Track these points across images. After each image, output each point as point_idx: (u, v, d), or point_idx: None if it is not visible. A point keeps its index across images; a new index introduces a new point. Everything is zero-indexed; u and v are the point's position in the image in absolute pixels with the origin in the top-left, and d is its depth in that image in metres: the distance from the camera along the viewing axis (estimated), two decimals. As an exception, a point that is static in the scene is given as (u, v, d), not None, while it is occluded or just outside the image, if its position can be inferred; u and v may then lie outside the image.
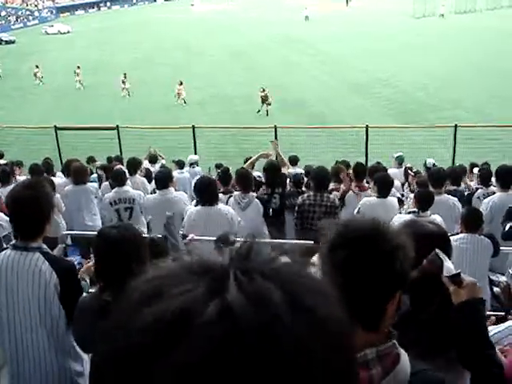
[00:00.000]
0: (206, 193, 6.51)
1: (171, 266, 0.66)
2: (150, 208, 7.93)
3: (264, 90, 26.54)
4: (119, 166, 9.86)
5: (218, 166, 12.83)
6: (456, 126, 15.91)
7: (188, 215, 6.61)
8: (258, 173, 8.58)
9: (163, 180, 8.00)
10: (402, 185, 10.68)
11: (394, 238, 1.59)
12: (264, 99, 26.53)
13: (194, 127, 17.61)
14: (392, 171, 10.79)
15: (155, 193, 8.99)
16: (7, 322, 3.39)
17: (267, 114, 26.19)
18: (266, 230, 7.22)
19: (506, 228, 6.48)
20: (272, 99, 26.60)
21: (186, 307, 0.57)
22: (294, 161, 12.09)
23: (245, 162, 10.02)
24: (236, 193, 7.41)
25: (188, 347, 0.55)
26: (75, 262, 4.11)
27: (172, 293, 0.59)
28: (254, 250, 0.66)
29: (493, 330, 3.05)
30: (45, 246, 3.46)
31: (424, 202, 6.28)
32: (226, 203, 7.30)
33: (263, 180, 8.02)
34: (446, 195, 7.57)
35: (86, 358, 3.51)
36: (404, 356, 1.59)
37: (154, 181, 8.84)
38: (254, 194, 7.47)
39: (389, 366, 1.54)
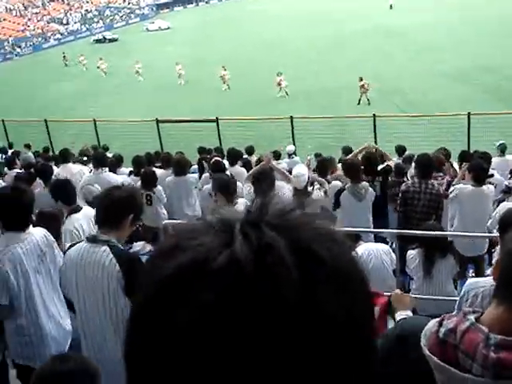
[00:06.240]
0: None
1: (192, 224, 0.70)
2: None
3: (362, 80, 26.45)
4: (218, 158, 10.03)
5: (317, 155, 13.03)
6: None
7: None
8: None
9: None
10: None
11: None
12: (363, 89, 26.45)
13: (291, 118, 17.88)
14: (494, 160, 10.03)
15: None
16: (79, 313, 3.63)
17: (369, 104, 25.99)
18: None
19: None
20: (371, 88, 26.54)
21: (199, 258, 0.61)
22: (400, 150, 12.12)
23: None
24: (348, 185, 7.18)
25: (200, 293, 0.59)
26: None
27: (186, 246, 0.63)
28: (269, 205, 0.67)
29: None
30: (114, 240, 3.51)
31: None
32: (339, 195, 7.16)
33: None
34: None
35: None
36: None
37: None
38: (366, 183, 7.29)
39: None
